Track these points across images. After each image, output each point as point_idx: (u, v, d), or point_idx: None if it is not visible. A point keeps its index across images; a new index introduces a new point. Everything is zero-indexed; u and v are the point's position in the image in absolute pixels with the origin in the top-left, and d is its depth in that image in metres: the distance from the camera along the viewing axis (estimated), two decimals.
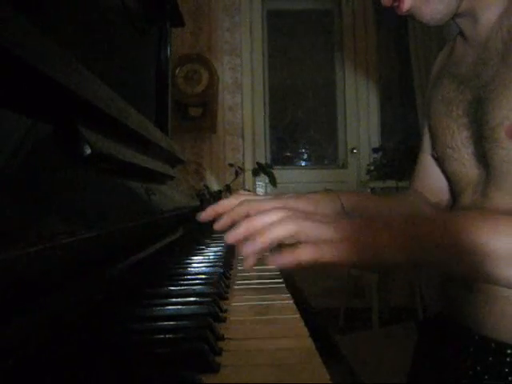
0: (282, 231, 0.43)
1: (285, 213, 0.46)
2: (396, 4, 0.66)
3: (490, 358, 0.65)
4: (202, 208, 1.08)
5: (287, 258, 0.41)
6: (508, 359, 0.64)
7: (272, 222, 0.45)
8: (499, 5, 0.67)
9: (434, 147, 0.81)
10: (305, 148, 3.37)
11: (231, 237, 0.47)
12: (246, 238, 0.46)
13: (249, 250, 0.43)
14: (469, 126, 0.71)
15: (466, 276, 0.60)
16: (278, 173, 3.03)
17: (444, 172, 0.81)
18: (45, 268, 0.30)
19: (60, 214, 0.35)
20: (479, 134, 0.68)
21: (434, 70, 0.86)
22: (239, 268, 0.53)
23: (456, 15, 0.70)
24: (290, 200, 0.58)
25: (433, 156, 0.84)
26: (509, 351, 0.64)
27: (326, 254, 0.42)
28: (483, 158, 0.68)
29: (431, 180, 0.86)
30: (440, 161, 0.80)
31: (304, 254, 0.41)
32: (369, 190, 2.92)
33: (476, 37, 0.72)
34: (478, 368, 0.66)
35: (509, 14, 0.66)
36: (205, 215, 0.61)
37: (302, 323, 0.36)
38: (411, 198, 0.86)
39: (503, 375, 0.64)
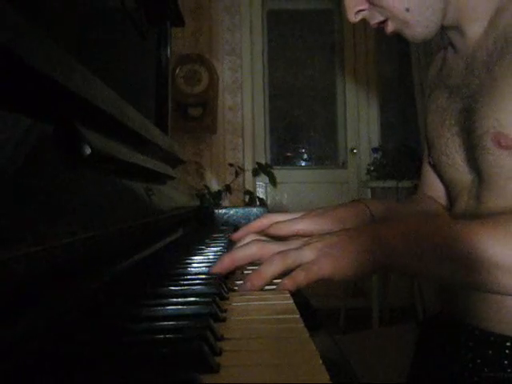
0: (271, 271, 0.48)
1: (264, 248, 0.51)
2: (382, 26, 0.73)
3: (490, 351, 0.66)
4: (202, 208, 1.08)
5: (288, 284, 0.46)
6: (507, 351, 0.65)
7: (253, 254, 0.51)
8: (484, 18, 0.71)
9: (430, 154, 0.85)
10: (305, 148, 3.37)
11: (215, 269, 0.51)
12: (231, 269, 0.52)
13: (247, 289, 0.48)
14: (460, 134, 0.74)
15: (462, 284, 0.61)
16: (278, 173, 3.04)
17: (440, 178, 0.85)
18: (45, 268, 0.30)
19: (60, 214, 0.35)
20: (469, 141, 0.71)
21: (429, 79, 0.90)
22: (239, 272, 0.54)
23: (443, 28, 0.74)
24: (312, 220, 0.64)
25: (429, 163, 0.87)
26: (508, 343, 0.65)
27: (316, 271, 0.47)
28: (475, 163, 0.71)
29: (440, 187, 0.88)
30: (436, 167, 0.84)
31: (299, 278, 0.46)
32: (369, 190, 2.92)
33: (464, 48, 0.75)
34: (478, 361, 0.68)
35: (494, 26, 0.69)
36: (237, 235, 0.68)
37: (301, 323, 0.36)
38: (434, 206, 0.88)
39: (503, 367, 0.65)
